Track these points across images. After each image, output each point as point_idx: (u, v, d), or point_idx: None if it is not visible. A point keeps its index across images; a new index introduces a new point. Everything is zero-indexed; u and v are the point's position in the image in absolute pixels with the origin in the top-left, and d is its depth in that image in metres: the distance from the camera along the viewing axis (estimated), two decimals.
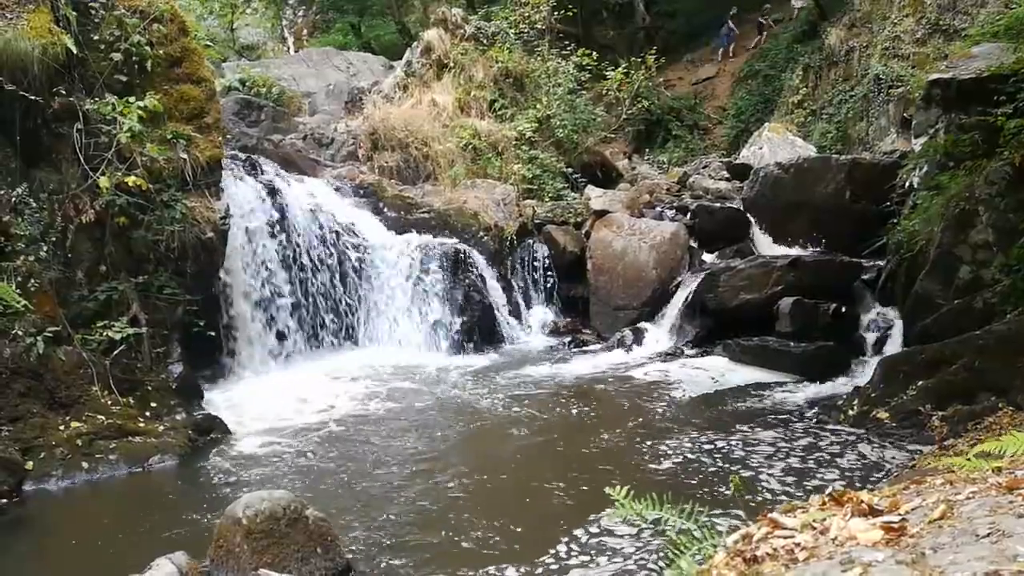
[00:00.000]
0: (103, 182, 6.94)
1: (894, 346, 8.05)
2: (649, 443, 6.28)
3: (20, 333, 6.16)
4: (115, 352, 6.77)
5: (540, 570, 4.35)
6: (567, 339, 10.21)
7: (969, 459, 2.99)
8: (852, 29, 16.00)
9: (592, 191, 12.24)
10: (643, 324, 10.06)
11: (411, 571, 4.40)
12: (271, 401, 7.63)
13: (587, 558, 4.41)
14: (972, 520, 1.86)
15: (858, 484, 5.17)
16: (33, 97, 6.66)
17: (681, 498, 2.89)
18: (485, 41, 14.11)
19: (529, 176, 12.19)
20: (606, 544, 4.54)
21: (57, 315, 6.58)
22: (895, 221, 8.95)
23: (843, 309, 8.60)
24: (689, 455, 5.99)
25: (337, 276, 9.86)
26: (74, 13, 7.15)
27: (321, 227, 9.80)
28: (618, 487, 2.83)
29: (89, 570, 4.62)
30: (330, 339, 9.67)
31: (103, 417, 6.35)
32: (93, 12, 7.45)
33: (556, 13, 14.95)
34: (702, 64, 21.95)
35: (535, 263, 11.07)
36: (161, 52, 7.91)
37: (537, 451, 6.41)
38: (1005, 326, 6.19)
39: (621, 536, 4.59)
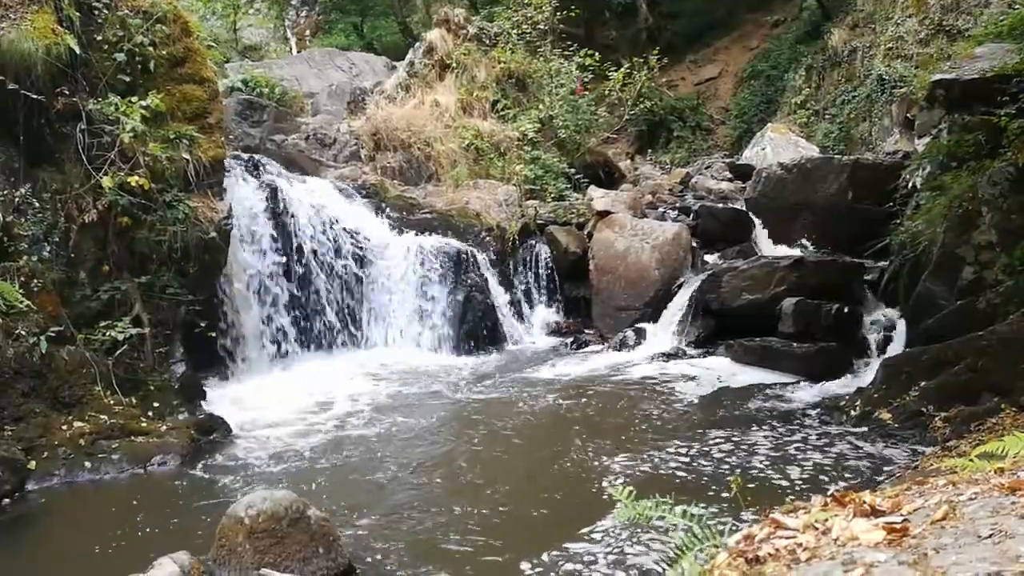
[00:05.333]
0: (106, 182, 6.95)
1: (897, 347, 8.03)
2: (651, 443, 6.28)
3: (23, 333, 6.17)
4: (118, 352, 6.78)
5: (542, 570, 4.35)
6: (569, 339, 10.20)
7: (971, 460, 2.99)
8: (855, 29, 15.98)
9: (594, 191, 12.23)
10: (645, 324, 10.04)
11: (413, 571, 4.40)
12: (273, 401, 7.64)
13: (590, 558, 4.42)
14: (974, 521, 1.86)
15: (860, 484, 5.17)
16: (36, 97, 6.67)
17: (683, 498, 2.89)
18: (488, 41, 14.11)
19: (531, 177, 12.18)
20: (609, 544, 4.54)
21: (60, 315, 6.59)
22: (898, 222, 8.94)
23: (846, 310, 8.59)
24: (691, 455, 5.99)
25: (339, 276, 9.86)
26: (77, 14, 7.15)
27: (323, 227, 9.80)
28: (621, 487, 2.84)
29: (91, 569, 4.63)
30: (332, 340, 9.67)
31: (106, 417, 6.37)
32: (96, 13, 7.46)
33: (559, 14, 14.95)
34: (705, 64, 21.93)
35: (537, 264, 11.06)
36: (164, 52, 7.91)
37: (540, 451, 6.41)
38: (1008, 327, 6.18)
39: (623, 536, 4.59)
